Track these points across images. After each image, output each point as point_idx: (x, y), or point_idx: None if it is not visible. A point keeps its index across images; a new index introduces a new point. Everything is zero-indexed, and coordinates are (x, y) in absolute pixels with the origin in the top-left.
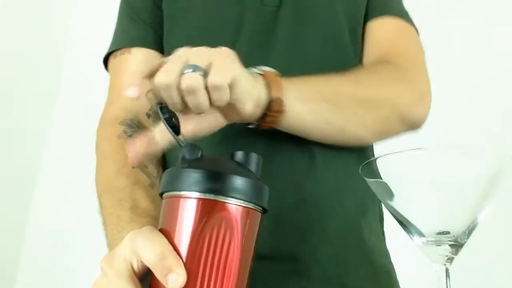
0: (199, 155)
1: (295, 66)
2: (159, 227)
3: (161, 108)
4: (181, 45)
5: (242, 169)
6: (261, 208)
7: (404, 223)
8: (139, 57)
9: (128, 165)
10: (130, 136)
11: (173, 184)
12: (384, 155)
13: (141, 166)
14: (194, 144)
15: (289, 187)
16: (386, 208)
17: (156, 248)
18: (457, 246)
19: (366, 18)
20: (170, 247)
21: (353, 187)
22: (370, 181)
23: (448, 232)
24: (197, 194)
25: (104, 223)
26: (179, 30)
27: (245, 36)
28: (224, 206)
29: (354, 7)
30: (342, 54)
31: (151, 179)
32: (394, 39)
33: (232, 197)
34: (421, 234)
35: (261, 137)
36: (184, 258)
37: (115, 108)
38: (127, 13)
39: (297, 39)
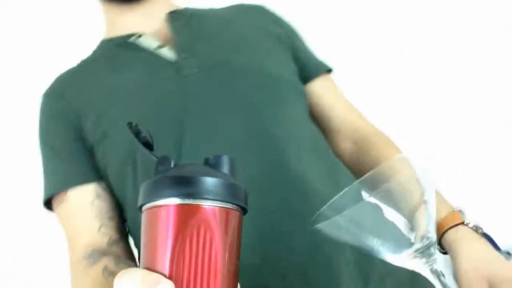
0: (172, 165)
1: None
2: (141, 242)
3: (130, 127)
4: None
5: (214, 171)
6: (239, 207)
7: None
8: (79, 197)
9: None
10: (92, 263)
11: (147, 196)
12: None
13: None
14: (165, 155)
15: None
16: (352, 244)
17: (132, 276)
18: (428, 247)
19: (304, 76)
20: (145, 271)
21: None
22: (325, 223)
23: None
24: (171, 201)
25: None
26: (112, 149)
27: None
28: (200, 209)
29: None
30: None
31: None
32: (351, 114)
33: (207, 198)
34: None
35: None
36: (167, 267)
37: (78, 249)
38: (50, 155)
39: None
